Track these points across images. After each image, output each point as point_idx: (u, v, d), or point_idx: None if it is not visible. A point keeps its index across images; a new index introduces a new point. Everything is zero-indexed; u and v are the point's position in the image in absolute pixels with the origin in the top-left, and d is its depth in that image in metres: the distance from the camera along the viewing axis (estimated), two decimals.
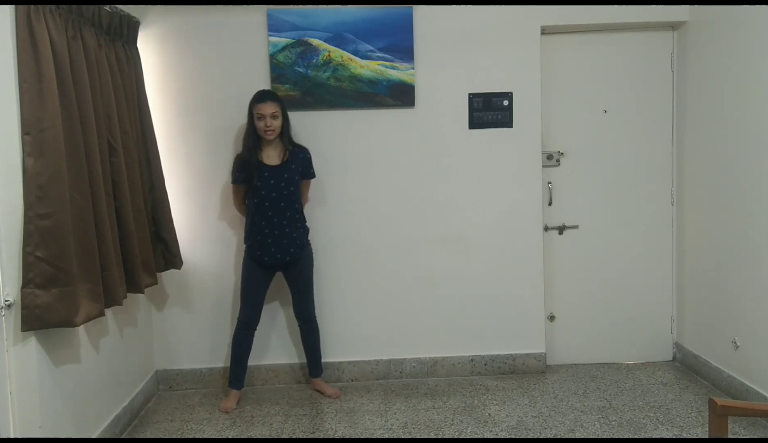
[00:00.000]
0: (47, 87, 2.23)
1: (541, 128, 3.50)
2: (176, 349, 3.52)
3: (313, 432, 2.96)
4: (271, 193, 3.09)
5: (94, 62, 2.62)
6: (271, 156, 3.13)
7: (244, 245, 3.24)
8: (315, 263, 3.47)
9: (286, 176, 3.11)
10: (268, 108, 3.05)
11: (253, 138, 3.11)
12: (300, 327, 3.36)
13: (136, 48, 3.19)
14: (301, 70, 3.37)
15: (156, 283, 3.14)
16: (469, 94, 3.46)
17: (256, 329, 3.28)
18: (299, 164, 3.18)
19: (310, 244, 3.31)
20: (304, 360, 3.54)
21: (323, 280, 3.52)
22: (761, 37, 2.83)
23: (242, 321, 3.24)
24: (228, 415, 3.17)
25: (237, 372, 3.28)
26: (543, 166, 3.54)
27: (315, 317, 3.36)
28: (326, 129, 3.44)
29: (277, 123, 3.08)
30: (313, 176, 3.30)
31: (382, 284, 3.55)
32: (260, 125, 3.07)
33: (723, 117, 3.15)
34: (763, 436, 2.77)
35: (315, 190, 3.46)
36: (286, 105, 3.23)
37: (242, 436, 2.95)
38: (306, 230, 3.27)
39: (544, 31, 3.46)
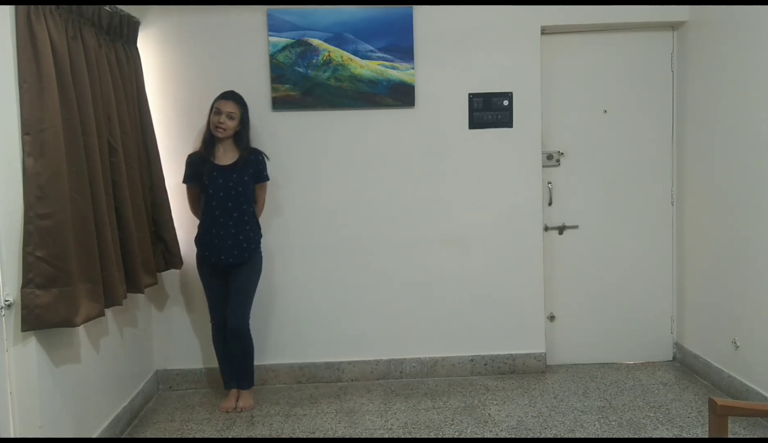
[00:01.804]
0: (47, 87, 2.24)
1: (541, 128, 3.50)
2: (176, 349, 3.52)
3: (313, 432, 2.96)
4: (218, 192, 3.05)
5: (94, 62, 2.62)
6: (222, 156, 3.10)
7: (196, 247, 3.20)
8: (314, 263, 3.48)
9: (235, 176, 3.07)
10: (227, 106, 3.05)
11: (209, 136, 3.11)
12: (228, 340, 3.18)
13: (136, 48, 3.19)
14: (301, 70, 3.37)
15: (156, 283, 3.15)
16: (469, 94, 3.46)
17: None
18: (250, 166, 3.12)
19: (260, 253, 3.23)
20: (305, 360, 3.54)
21: (324, 280, 3.52)
22: (761, 37, 2.83)
23: (214, 324, 3.25)
24: (228, 415, 3.17)
25: (227, 371, 3.27)
26: (543, 166, 3.54)
27: (247, 330, 3.19)
28: (326, 129, 3.44)
29: (231, 123, 3.06)
30: (266, 178, 3.22)
31: (383, 284, 3.54)
32: (214, 119, 3.05)
33: (723, 117, 3.15)
34: (763, 436, 2.77)
35: (315, 190, 3.47)
36: (284, 105, 3.21)
37: (242, 436, 2.95)
38: (256, 235, 3.19)
39: (544, 31, 3.46)
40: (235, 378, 3.26)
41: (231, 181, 3.06)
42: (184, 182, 3.19)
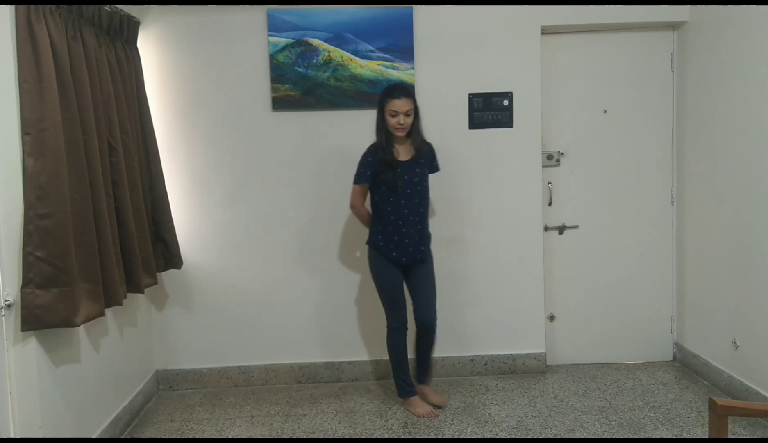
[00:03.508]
0: (47, 87, 2.24)
1: (541, 128, 3.50)
2: (176, 349, 3.52)
3: (313, 432, 2.96)
4: (406, 189, 2.95)
5: (94, 62, 2.62)
6: (402, 151, 2.98)
7: (372, 247, 3.08)
8: (313, 263, 3.48)
9: (417, 171, 2.98)
10: (403, 105, 2.87)
11: (385, 134, 2.95)
12: (418, 333, 3.13)
13: (136, 48, 3.19)
14: (301, 70, 3.37)
15: (156, 283, 3.15)
16: (469, 94, 3.46)
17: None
18: (426, 158, 3.05)
19: None
20: (304, 360, 3.55)
21: (324, 280, 3.53)
22: (761, 37, 2.83)
23: (398, 328, 3.08)
24: (228, 415, 3.17)
25: (408, 378, 3.13)
26: (543, 166, 3.54)
27: (436, 323, 3.14)
28: (326, 129, 3.44)
29: (409, 121, 2.91)
30: (437, 169, 3.15)
31: None
32: (392, 122, 2.89)
33: (723, 117, 3.15)
34: (763, 436, 2.77)
35: (315, 190, 3.47)
36: (284, 105, 3.20)
37: (242, 436, 2.95)
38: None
39: (544, 31, 3.46)
40: (419, 373, 3.20)
41: (415, 176, 2.98)
42: (360, 182, 3.01)
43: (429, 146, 3.11)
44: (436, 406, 3.14)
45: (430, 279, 3.13)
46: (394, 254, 3.02)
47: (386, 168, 2.94)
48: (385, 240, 3.02)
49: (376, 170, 2.97)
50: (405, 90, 2.94)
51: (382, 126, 2.96)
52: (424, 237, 3.07)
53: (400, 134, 2.94)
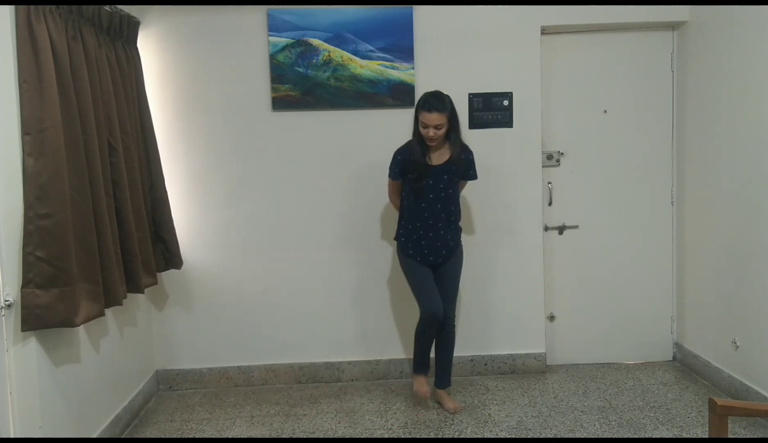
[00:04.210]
0: (47, 87, 2.24)
1: (541, 128, 3.50)
2: (176, 349, 3.52)
3: (313, 432, 2.96)
4: (428, 194, 2.94)
5: (94, 62, 2.62)
6: (435, 156, 2.96)
7: (396, 241, 3.13)
8: (314, 262, 3.47)
9: (446, 177, 2.95)
10: (433, 120, 2.83)
11: (419, 138, 2.94)
12: (440, 331, 3.12)
13: (136, 48, 3.19)
14: (301, 70, 3.37)
15: (156, 283, 3.15)
16: (469, 94, 3.46)
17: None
18: (460, 166, 3.00)
19: (461, 245, 3.14)
20: (304, 360, 3.54)
21: (324, 279, 3.53)
22: (761, 37, 2.83)
23: (426, 319, 3.03)
24: (228, 415, 3.17)
25: (423, 359, 3.12)
26: (543, 166, 3.54)
27: (454, 322, 3.15)
28: (326, 129, 3.44)
29: (440, 133, 2.87)
30: (474, 177, 3.10)
31: (383, 284, 3.55)
32: (423, 132, 2.88)
33: (723, 117, 3.15)
34: (763, 436, 2.77)
35: (315, 190, 3.47)
36: (284, 105, 3.19)
37: (242, 436, 2.95)
38: (459, 231, 3.10)
39: (544, 31, 3.46)
40: (437, 377, 3.17)
41: (441, 182, 2.94)
42: (391, 177, 3.05)
43: (467, 153, 3.05)
44: (449, 412, 3.11)
45: (453, 276, 3.11)
46: (411, 252, 3.05)
47: (412, 169, 2.94)
48: (405, 237, 3.06)
49: (404, 168, 2.99)
50: (439, 103, 2.85)
51: (416, 130, 2.95)
52: (446, 242, 3.02)
53: (431, 144, 2.93)
